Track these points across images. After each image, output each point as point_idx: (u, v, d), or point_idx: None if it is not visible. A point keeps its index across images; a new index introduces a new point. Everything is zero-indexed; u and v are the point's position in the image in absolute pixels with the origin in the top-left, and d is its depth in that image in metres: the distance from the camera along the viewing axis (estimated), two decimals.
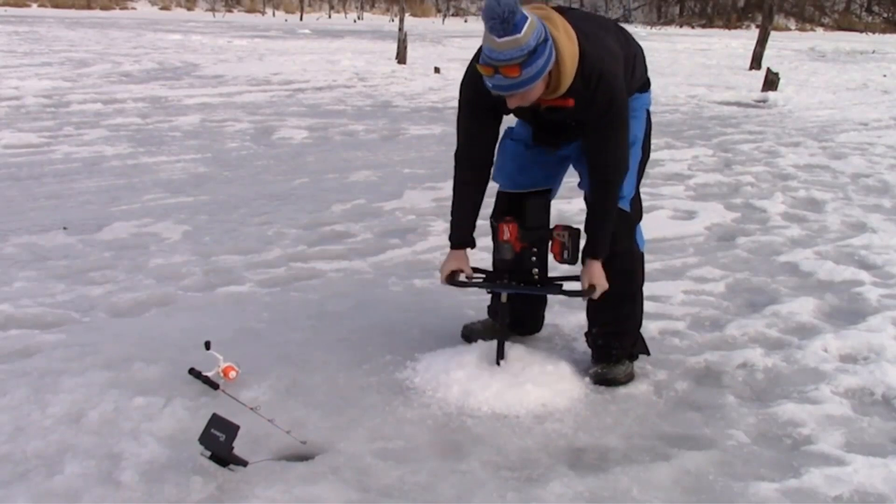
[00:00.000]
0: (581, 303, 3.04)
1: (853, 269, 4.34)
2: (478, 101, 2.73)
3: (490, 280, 2.96)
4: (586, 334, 3.10)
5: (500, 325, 2.95)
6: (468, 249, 2.94)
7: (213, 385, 2.75)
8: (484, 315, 3.32)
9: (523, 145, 2.96)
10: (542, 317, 3.32)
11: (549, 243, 2.90)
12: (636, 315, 3.05)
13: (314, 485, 2.29)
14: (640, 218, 2.96)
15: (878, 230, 5.15)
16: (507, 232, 2.82)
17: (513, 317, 3.05)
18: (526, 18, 2.38)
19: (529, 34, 2.38)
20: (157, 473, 2.31)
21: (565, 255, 2.85)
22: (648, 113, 2.94)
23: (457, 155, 2.92)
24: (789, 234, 5.04)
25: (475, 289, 3.03)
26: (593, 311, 3.02)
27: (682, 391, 2.96)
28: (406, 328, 3.34)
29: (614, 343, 3.00)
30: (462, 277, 2.94)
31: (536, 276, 2.92)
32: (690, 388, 2.99)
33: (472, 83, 2.72)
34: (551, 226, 2.93)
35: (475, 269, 2.99)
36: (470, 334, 3.21)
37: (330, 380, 2.92)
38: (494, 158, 2.94)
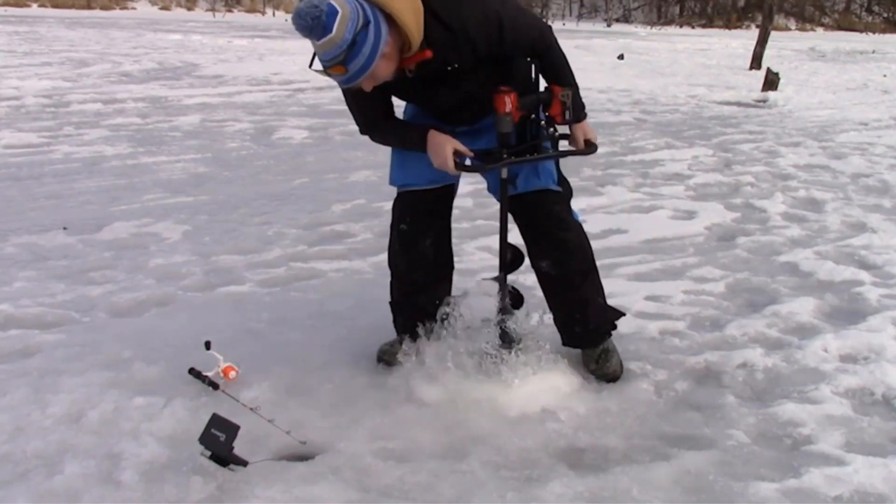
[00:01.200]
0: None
1: (853, 269, 4.34)
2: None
3: (489, 159, 2.74)
4: (555, 321, 3.04)
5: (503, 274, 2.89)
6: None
7: (213, 385, 2.75)
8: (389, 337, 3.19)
9: None
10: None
11: (547, 106, 2.78)
12: (599, 289, 3.04)
13: (314, 485, 2.29)
14: (571, 195, 2.95)
15: (878, 230, 5.15)
16: (509, 102, 2.63)
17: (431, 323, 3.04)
18: (335, 13, 2.30)
19: (342, 29, 2.30)
20: (157, 473, 2.31)
21: (567, 116, 2.75)
22: None
23: (363, 132, 2.85)
24: (789, 234, 5.04)
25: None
26: (560, 296, 2.98)
27: (682, 391, 2.96)
28: None
29: (592, 322, 2.99)
30: (467, 161, 2.68)
31: (556, 134, 2.80)
32: (690, 388, 2.99)
33: None
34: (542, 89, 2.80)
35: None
36: (390, 358, 3.06)
37: (330, 380, 2.92)
38: (390, 156, 2.91)
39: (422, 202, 2.92)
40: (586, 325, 3.01)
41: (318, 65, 2.43)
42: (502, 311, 2.89)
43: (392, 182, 2.97)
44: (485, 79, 2.68)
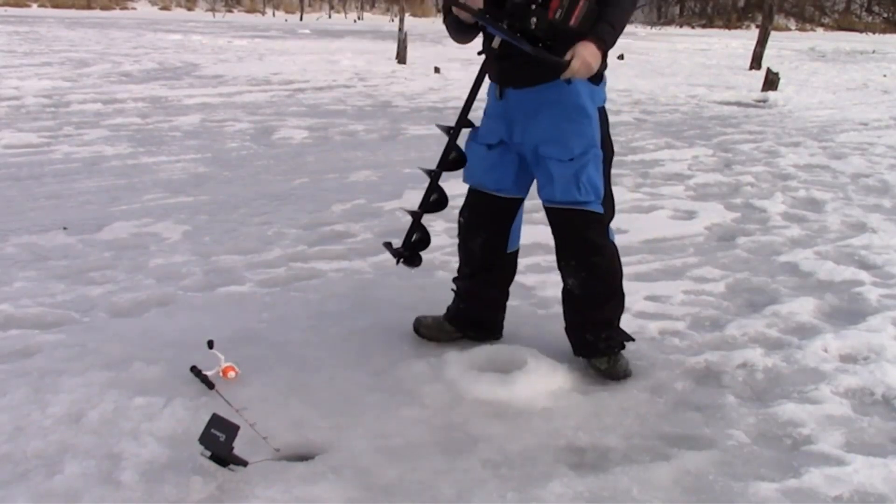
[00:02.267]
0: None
1: (853, 269, 4.34)
2: None
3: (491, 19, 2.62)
4: (568, 330, 3.07)
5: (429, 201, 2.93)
6: None
7: (209, 384, 2.76)
8: (436, 312, 3.35)
9: (485, 147, 2.96)
10: (502, 324, 3.29)
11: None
12: (620, 309, 3.06)
13: (314, 485, 2.29)
14: (612, 216, 2.93)
15: (878, 230, 5.15)
16: None
17: (470, 319, 3.20)
18: None
19: None
20: (157, 473, 2.31)
21: (557, 15, 2.52)
22: (604, 110, 2.87)
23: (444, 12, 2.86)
24: (789, 234, 5.04)
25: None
26: (580, 314, 3.00)
27: (682, 391, 2.96)
28: (406, 328, 3.34)
29: (602, 336, 3.00)
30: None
31: (534, 26, 2.58)
32: (690, 388, 2.99)
33: None
34: None
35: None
36: (419, 326, 3.27)
37: (330, 380, 2.92)
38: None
39: (479, 202, 3.06)
40: (597, 341, 3.00)
41: None
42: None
43: (463, 179, 3.08)
44: None
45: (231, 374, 2.82)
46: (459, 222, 3.14)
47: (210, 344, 2.81)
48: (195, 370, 2.81)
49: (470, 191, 3.10)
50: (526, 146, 2.87)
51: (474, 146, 2.99)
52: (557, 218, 2.88)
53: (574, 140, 2.76)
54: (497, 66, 2.83)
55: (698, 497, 2.32)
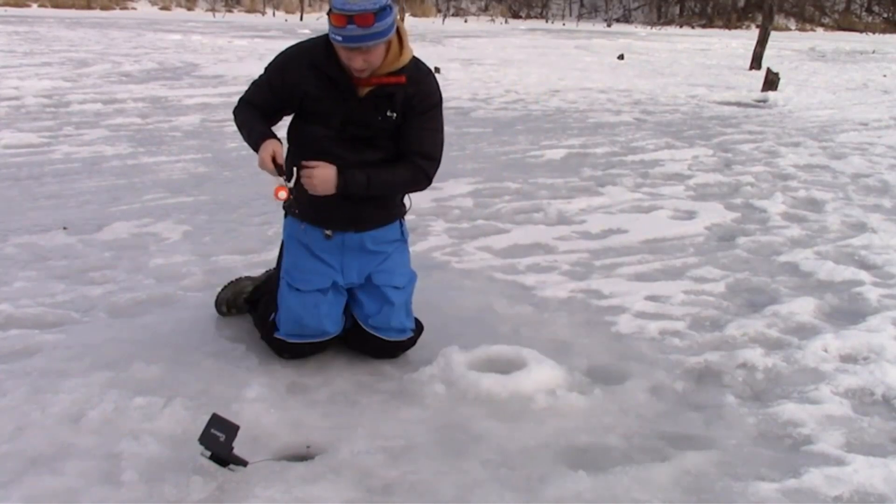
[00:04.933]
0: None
1: (853, 269, 4.34)
2: (282, 85, 2.87)
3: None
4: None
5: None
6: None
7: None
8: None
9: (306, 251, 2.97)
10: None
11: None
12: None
13: (314, 485, 2.29)
14: (422, 330, 3.15)
15: (878, 230, 5.15)
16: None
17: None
18: None
19: None
20: (157, 473, 2.31)
21: (280, 194, 2.77)
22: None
23: (240, 103, 3.04)
24: (789, 234, 5.04)
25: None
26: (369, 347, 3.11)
27: (682, 391, 2.96)
28: None
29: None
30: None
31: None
32: (690, 388, 2.99)
33: (290, 65, 2.85)
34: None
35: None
36: (219, 304, 3.40)
37: (330, 380, 2.92)
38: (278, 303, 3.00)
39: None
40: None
41: (335, 32, 2.61)
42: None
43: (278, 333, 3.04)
44: (391, 150, 2.86)
45: (282, 193, 2.79)
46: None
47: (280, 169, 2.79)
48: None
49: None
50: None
51: (290, 292, 2.99)
52: (367, 338, 3.05)
53: None
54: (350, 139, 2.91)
55: (698, 497, 2.32)
